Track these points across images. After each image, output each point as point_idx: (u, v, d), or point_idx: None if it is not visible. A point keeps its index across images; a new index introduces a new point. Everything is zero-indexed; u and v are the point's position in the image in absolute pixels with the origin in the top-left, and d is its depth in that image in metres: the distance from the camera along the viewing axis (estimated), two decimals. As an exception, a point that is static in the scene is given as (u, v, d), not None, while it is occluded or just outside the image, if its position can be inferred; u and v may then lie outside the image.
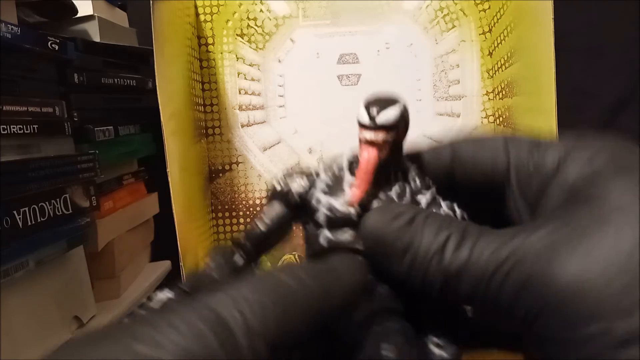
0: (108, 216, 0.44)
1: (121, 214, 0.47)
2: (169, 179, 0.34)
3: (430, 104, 0.47)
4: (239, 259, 0.19)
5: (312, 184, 0.19)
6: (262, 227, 0.19)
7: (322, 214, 0.18)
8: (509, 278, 0.14)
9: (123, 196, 0.48)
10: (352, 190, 0.17)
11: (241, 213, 0.47)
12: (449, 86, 0.47)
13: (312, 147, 0.47)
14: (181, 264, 0.35)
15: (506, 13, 0.43)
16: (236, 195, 0.47)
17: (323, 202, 0.18)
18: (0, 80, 0.33)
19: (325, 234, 0.18)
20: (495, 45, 0.45)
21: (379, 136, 0.17)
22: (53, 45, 0.38)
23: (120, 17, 0.54)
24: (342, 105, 0.47)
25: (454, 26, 0.47)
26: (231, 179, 0.47)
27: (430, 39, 0.47)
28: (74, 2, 0.46)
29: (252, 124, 0.47)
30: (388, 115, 0.17)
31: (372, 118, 0.17)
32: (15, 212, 0.31)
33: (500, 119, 0.46)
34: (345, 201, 0.18)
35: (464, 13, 0.46)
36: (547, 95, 0.35)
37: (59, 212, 0.36)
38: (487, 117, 0.47)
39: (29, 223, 0.32)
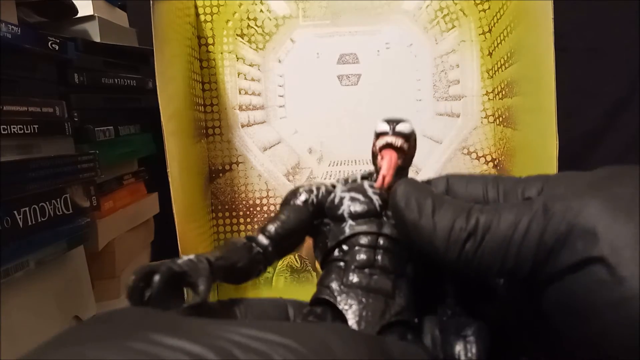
0: (108, 216, 0.44)
1: (121, 214, 0.47)
2: (169, 179, 0.34)
3: (430, 104, 0.47)
4: (257, 253, 0.20)
5: (330, 191, 0.21)
6: (284, 225, 0.20)
7: (346, 207, 0.20)
8: (535, 219, 0.16)
9: (123, 196, 0.48)
10: (380, 179, 0.19)
11: (241, 213, 0.47)
12: (449, 86, 0.47)
13: (312, 147, 0.47)
14: (181, 264, 0.35)
15: (506, 13, 0.43)
16: (236, 195, 0.47)
17: (347, 197, 0.20)
18: (0, 80, 0.33)
19: (350, 224, 0.20)
20: (495, 45, 0.45)
21: (398, 141, 0.20)
22: (53, 45, 0.38)
23: (120, 17, 0.54)
24: (342, 106, 0.47)
25: (454, 26, 0.47)
26: (231, 179, 0.47)
27: (430, 39, 0.47)
28: (74, 2, 0.46)
29: (252, 124, 0.47)
30: (404, 126, 0.20)
31: (392, 127, 0.20)
32: (15, 212, 0.31)
33: (500, 119, 0.46)
34: (373, 190, 0.20)
35: (464, 13, 0.46)
36: (547, 95, 0.35)
37: (59, 212, 0.36)
38: (487, 117, 0.47)
39: (29, 223, 0.32)
